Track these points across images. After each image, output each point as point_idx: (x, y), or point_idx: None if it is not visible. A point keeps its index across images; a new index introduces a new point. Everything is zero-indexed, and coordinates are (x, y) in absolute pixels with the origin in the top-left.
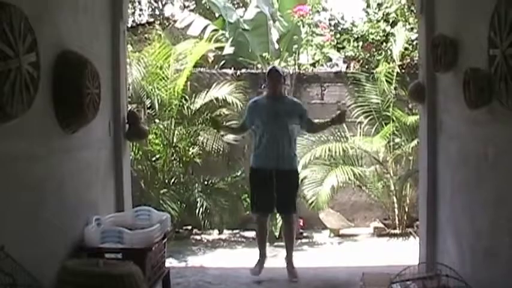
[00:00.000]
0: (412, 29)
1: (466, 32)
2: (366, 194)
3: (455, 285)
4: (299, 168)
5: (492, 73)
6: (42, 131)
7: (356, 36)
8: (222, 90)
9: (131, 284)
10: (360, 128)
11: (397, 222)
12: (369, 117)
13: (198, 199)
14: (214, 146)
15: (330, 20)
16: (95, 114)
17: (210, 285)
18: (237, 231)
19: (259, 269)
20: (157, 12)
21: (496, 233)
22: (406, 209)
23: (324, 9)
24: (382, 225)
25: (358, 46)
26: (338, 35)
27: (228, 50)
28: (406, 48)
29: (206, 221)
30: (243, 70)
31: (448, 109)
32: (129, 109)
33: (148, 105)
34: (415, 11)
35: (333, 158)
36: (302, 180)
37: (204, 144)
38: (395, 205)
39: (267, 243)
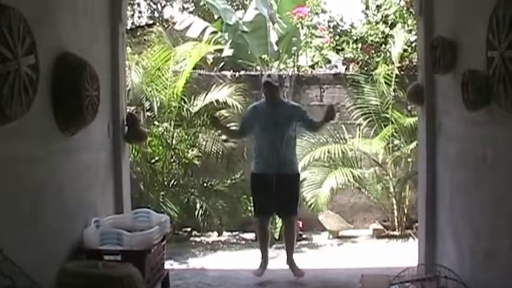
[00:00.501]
0: (410, 30)
1: (464, 34)
2: (365, 196)
3: (454, 287)
4: (299, 168)
5: (490, 75)
6: (41, 133)
7: (355, 38)
8: (221, 93)
9: (130, 285)
10: (359, 129)
11: (396, 223)
12: (368, 119)
13: (198, 201)
14: (213, 148)
15: (329, 21)
16: (94, 117)
17: (209, 287)
18: (236, 233)
19: (262, 271)
20: (156, 14)
21: (495, 235)
22: (406, 211)
23: (323, 11)
24: (381, 227)
25: (357, 48)
26: (337, 37)
27: (227, 52)
28: (405, 50)
29: (205, 223)
30: (242, 72)
31: (446, 111)
32: (128, 111)
33: (148, 108)
34: (413, 13)
35: (332, 160)
36: (301, 182)
37: (204, 146)
38: (395, 207)
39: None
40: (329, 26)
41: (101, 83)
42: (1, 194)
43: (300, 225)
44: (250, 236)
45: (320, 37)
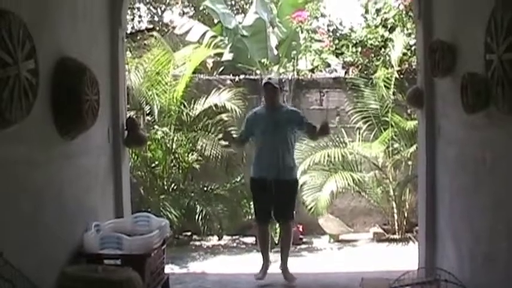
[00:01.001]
0: (410, 34)
1: (463, 37)
2: (365, 200)
3: None
4: (298, 174)
5: (489, 78)
6: (41, 138)
7: (354, 41)
8: (221, 97)
9: None
10: (359, 133)
11: (396, 227)
12: (368, 123)
13: (198, 205)
14: (213, 152)
15: (328, 25)
16: (94, 121)
17: None
18: (236, 237)
19: (263, 275)
20: (156, 18)
21: (495, 238)
22: (406, 214)
23: (323, 15)
24: (381, 231)
25: (356, 52)
26: (337, 41)
27: (227, 56)
28: (404, 54)
29: (206, 227)
30: (242, 76)
31: (446, 114)
32: (128, 116)
33: (148, 112)
34: (413, 17)
35: (332, 164)
36: (301, 186)
37: (203, 150)
38: (395, 210)
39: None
40: (328, 30)
41: (101, 87)
42: (1, 198)
43: (300, 229)
44: (251, 240)
45: (320, 41)
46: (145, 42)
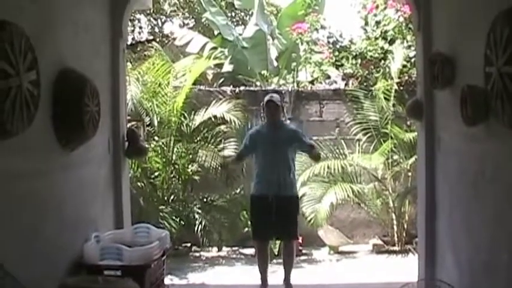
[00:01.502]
0: (409, 46)
1: (462, 50)
2: (364, 211)
3: None
4: (298, 185)
5: (488, 90)
6: (42, 148)
7: (354, 53)
8: (221, 108)
9: None
10: (359, 145)
11: (396, 239)
12: (368, 135)
13: (197, 216)
14: (213, 164)
15: (328, 37)
16: (95, 132)
17: None
18: (236, 248)
19: None
20: (156, 29)
21: (495, 250)
22: (405, 226)
23: (323, 27)
24: (381, 242)
25: (356, 63)
26: (336, 53)
27: (227, 67)
28: (404, 66)
29: (205, 238)
30: (242, 88)
31: (445, 126)
32: (128, 127)
33: (148, 123)
34: (412, 29)
35: (332, 175)
36: (301, 197)
37: (203, 161)
38: (394, 222)
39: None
40: (328, 42)
41: (102, 99)
42: (2, 209)
43: (300, 241)
44: (250, 251)
45: (319, 53)
46: (146, 53)
